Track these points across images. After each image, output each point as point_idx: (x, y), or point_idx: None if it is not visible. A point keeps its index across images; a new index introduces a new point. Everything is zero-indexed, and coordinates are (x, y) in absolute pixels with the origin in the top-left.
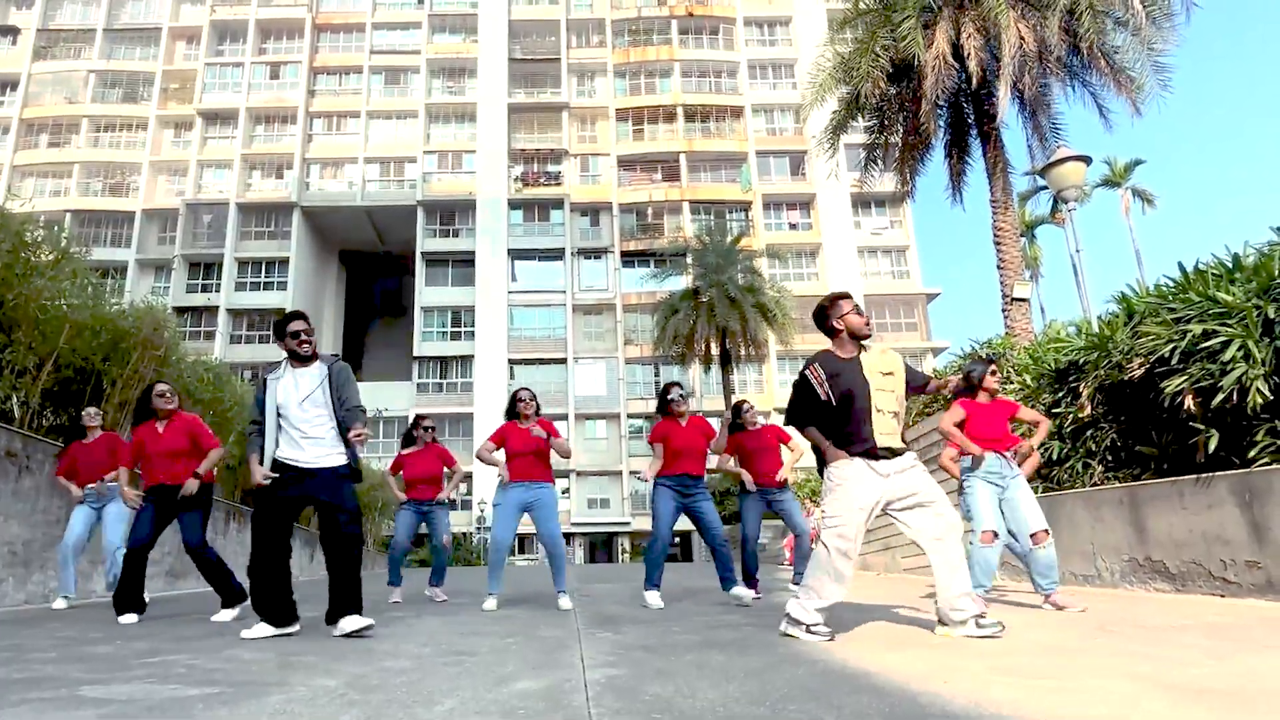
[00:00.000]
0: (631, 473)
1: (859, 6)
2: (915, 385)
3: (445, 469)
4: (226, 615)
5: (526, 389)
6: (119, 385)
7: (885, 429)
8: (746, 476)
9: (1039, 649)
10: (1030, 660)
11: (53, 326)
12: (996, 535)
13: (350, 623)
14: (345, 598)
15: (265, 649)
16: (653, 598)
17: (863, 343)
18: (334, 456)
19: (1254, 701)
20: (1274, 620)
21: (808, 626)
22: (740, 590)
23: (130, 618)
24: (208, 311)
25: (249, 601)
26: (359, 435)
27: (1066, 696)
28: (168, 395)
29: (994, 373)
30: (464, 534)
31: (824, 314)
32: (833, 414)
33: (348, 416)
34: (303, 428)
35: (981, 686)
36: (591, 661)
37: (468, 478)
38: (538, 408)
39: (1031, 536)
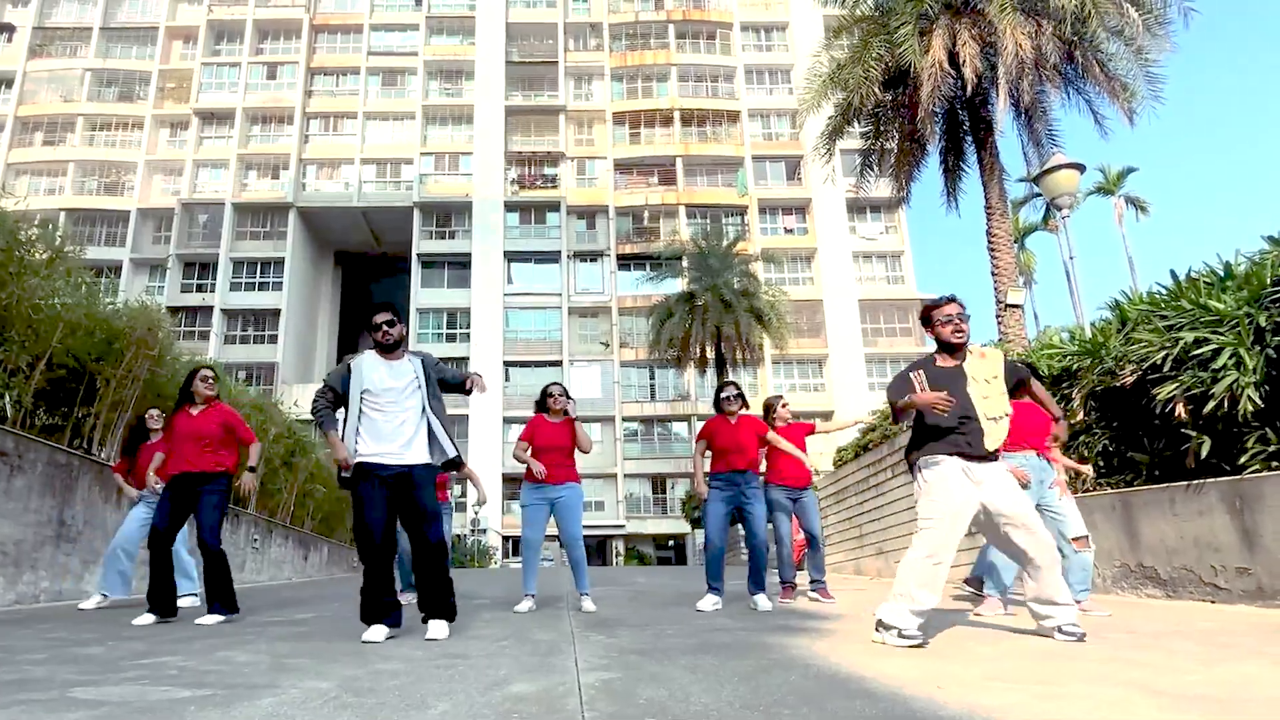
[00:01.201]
0: (626, 475)
1: (855, 13)
2: (1011, 387)
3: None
4: (212, 620)
5: (558, 384)
6: (113, 385)
7: (998, 435)
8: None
9: (1031, 655)
10: (1022, 666)
11: (46, 325)
12: None
13: (438, 628)
14: (434, 601)
15: (258, 651)
16: (704, 601)
17: (965, 349)
18: (421, 453)
19: (1244, 708)
20: (1264, 627)
21: (899, 630)
22: (761, 599)
23: (146, 619)
24: (202, 311)
25: (236, 614)
26: (477, 378)
27: (1058, 702)
28: (210, 381)
29: None
30: (458, 536)
31: (926, 320)
32: (933, 419)
33: (458, 375)
34: (392, 418)
35: (974, 692)
36: (585, 665)
37: (462, 480)
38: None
39: (1073, 540)
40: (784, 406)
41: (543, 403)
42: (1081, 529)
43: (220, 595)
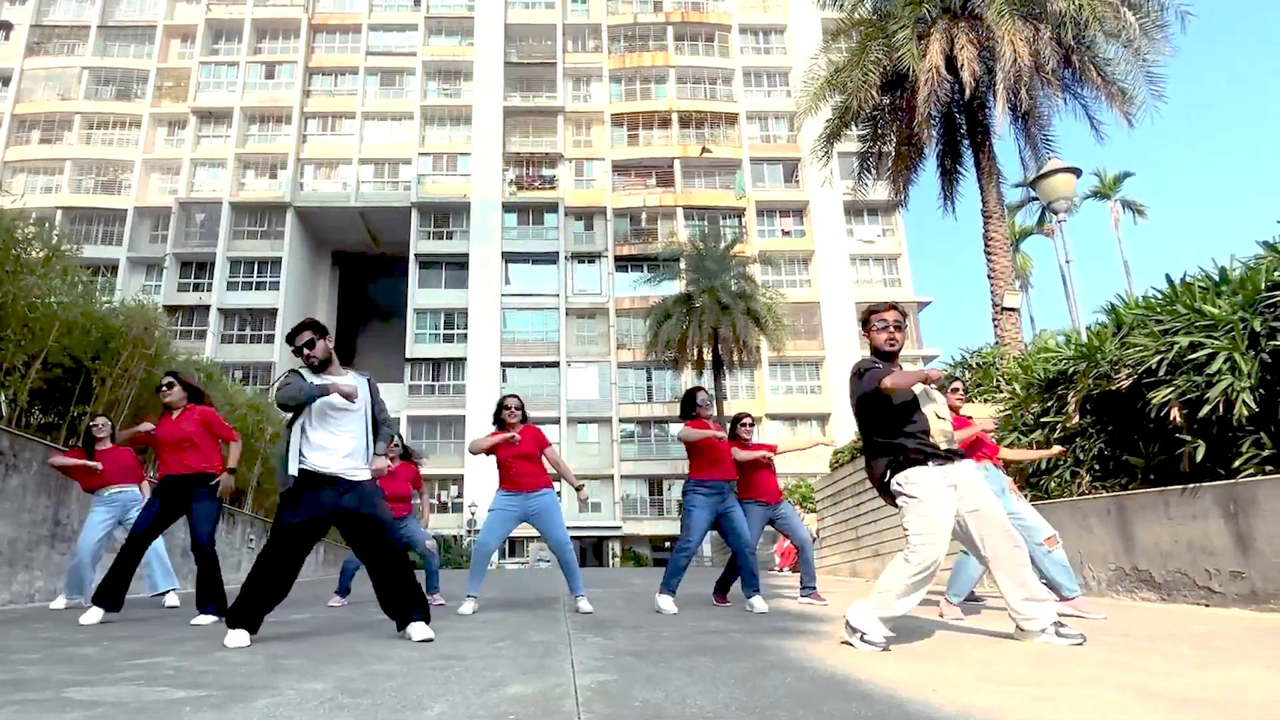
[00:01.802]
0: (623, 476)
1: (853, 17)
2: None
3: (414, 490)
4: (205, 620)
5: (514, 396)
6: (109, 384)
7: (948, 434)
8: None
9: (1026, 657)
10: (1017, 669)
11: (42, 324)
12: None
13: (420, 630)
14: (410, 604)
15: (254, 652)
16: (665, 602)
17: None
18: (364, 470)
19: (1239, 711)
20: (1258, 630)
21: (863, 635)
22: (757, 600)
23: (94, 615)
24: (199, 311)
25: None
26: (380, 468)
27: (1053, 705)
28: (164, 390)
29: (955, 390)
30: (454, 537)
31: (865, 323)
32: (896, 419)
33: (384, 431)
34: (343, 433)
35: (969, 694)
36: (581, 667)
37: (459, 480)
38: (524, 416)
39: (1045, 541)
40: (746, 426)
41: (497, 416)
42: (1048, 529)
43: (213, 596)
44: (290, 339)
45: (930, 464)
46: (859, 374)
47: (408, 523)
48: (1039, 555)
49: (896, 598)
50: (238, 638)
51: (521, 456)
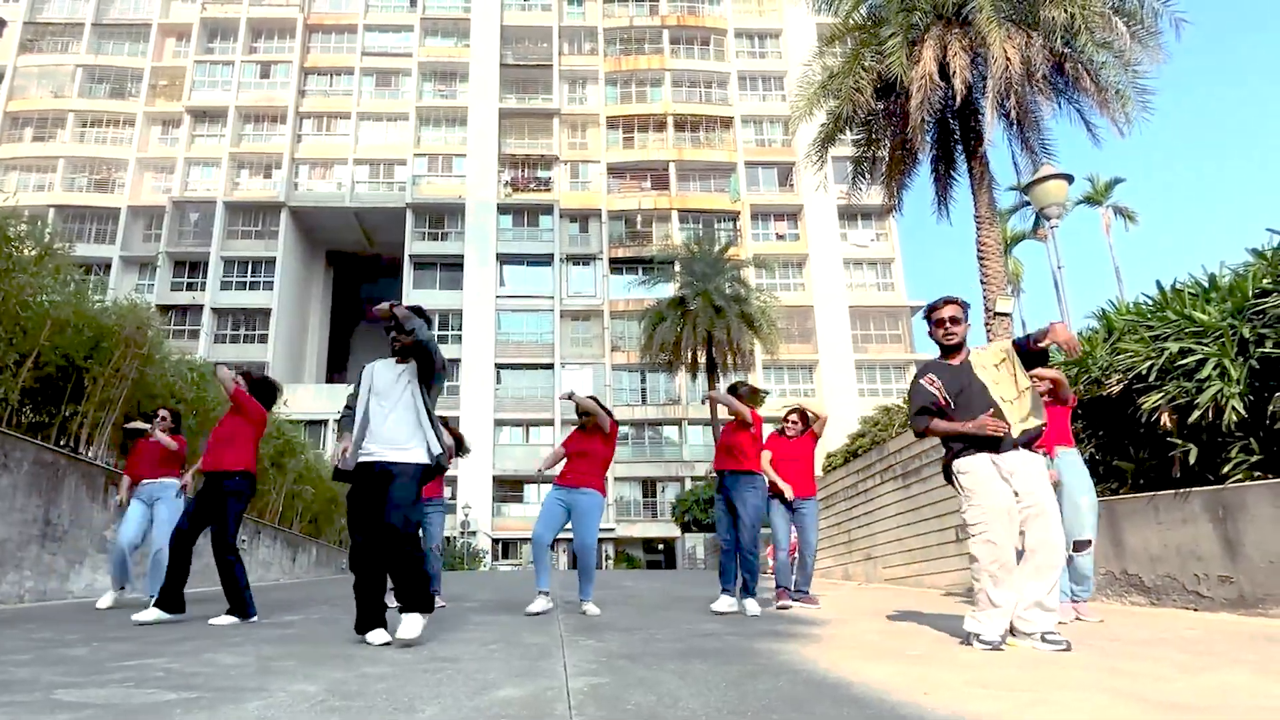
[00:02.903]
0: (616, 479)
1: (847, 23)
2: (1024, 352)
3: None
4: (225, 620)
5: (575, 393)
6: (101, 384)
7: (1018, 415)
8: (788, 489)
9: (1017, 661)
10: (1009, 672)
11: (34, 323)
12: None
13: (406, 626)
14: (399, 590)
15: (246, 653)
16: (718, 603)
17: (968, 347)
18: (412, 453)
19: (1227, 715)
20: (1245, 635)
21: (977, 636)
22: (750, 604)
23: (151, 614)
24: (192, 310)
25: (254, 617)
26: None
27: (1045, 709)
28: (235, 379)
29: None
30: (448, 538)
31: (928, 321)
32: (959, 412)
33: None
34: (383, 416)
35: (961, 698)
36: (574, 670)
37: (452, 481)
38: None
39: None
40: (793, 420)
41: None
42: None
43: (230, 597)
44: (398, 323)
45: (983, 454)
46: (914, 389)
47: (430, 512)
48: (1076, 557)
49: (993, 590)
50: (380, 635)
51: (578, 454)
